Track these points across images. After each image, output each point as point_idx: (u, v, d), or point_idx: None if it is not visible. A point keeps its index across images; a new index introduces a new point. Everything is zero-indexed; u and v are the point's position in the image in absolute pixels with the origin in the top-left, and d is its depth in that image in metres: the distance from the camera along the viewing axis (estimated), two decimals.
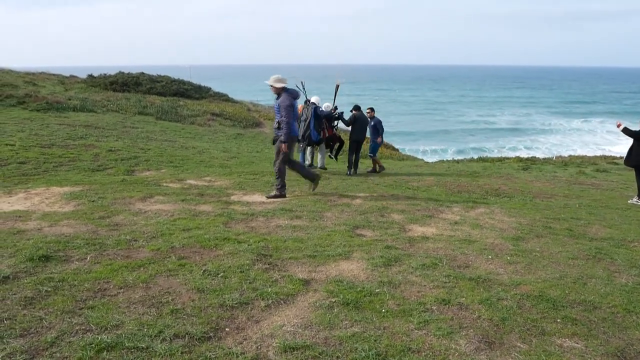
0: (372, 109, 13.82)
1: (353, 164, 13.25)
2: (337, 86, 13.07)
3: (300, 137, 12.05)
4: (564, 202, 10.00)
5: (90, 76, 31.56)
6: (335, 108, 12.69)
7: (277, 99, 8.72)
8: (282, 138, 8.62)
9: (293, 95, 8.78)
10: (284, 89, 8.68)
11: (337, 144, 13.38)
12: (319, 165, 13.20)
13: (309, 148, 12.83)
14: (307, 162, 13.00)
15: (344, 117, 13.02)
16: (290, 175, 9.91)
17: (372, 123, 13.76)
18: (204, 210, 7.34)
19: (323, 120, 12.26)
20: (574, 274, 5.11)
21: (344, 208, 7.85)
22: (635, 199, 10.57)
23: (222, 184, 9.82)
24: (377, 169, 14.17)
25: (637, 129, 10.55)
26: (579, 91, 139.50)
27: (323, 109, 12.50)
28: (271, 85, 8.76)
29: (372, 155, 14.28)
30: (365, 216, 7.36)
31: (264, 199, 8.49)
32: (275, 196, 8.63)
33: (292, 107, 8.65)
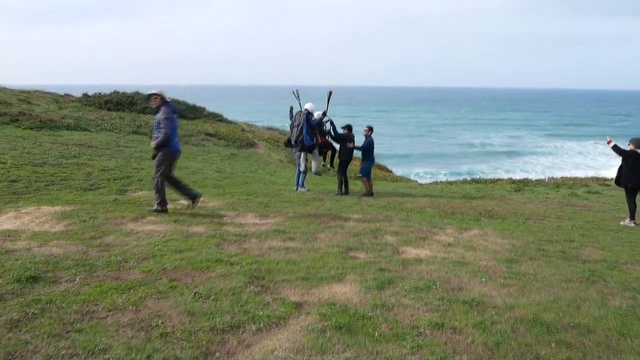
0: (369, 128, 13.43)
1: (343, 184, 13.20)
2: (330, 93, 13.20)
3: (293, 143, 12.40)
4: (556, 223, 10.00)
5: (85, 95, 31.59)
6: (324, 113, 12.78)
7: (157, 112, 8.58)
8: (154, 143, 8.44)
9: (173, 108, 8.63)
10: (165, 103, 8.54)
11: (330, 151, 13.48)
12: (312, 171, 13.25)
13: (302, 154, 12.82)
14: (301, 169, 13.05)
15: (335, 127, 13.05)
16: (293, 197, 9.87)
17: (365, 143, 13.34)
18: (197, 231, 7.29)
19: (316, 127, 12.44)
20: (568, 297, 5.08)
21: (337, 229, 7.82)
22: (627, 221, 10.57)
23: (215, 205, 9.77)
24: (367, 192, 13.39)
25: (627, 149, 10.60)
26: (571, 113, 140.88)
27: (315, 117, 12.58)
28: (152, 98, 8.63)
29: (361, 175, 13.58)
30: (358, 238, 7.33)
31: (257, 219, 8.44)
32: (157, 211, 8.44)
33: (172, 120, 8.46)
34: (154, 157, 8.73)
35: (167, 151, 8.59)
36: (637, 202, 10.76)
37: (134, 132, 22.33)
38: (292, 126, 12.40)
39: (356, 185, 15.32)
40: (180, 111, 8.91)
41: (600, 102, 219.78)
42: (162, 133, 8.37)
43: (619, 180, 10.91)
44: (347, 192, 13.13)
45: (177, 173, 14.72)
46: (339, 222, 8.45)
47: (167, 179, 8.82)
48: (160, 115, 8.48)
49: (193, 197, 9.14)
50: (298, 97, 12.68)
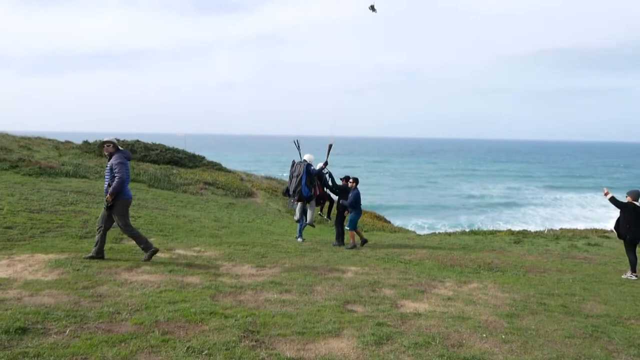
0: (354, 180, 12.86)
1: (340, 235, 13.04)
2: (330, 145, 13.27)
3: (291, 192, 12.37)
4: (557, 276, 9.88)
5: (86, 142, 31.80)
6: (326, 164, 12.84)
7: (109, 159, 8.58)
8: (110, 190, 8.33)
9: (126, 155, 8.69)
10: (118, 149, 8.60)
11: (327, 203, 13.38)
12: (307, 221, 13.10)
13: (299, 204, 12.79)
14: (296, 218, 13.03)
15: (334, 178, 13.05)
16: (290, 247, 9.76)
17: (352, 197, 12.67)
18: (192, 282, 7.17)
19: (315, 178, 12.44)
20: (572, 354, 4.95)
21: (334, 282, 7.70)
22: (628, 274, 10.44)
23: (211, 255, 9.66)
24: (353, 244, 12.63)
25: (625, 201, 10.57)
26: (568, 165, 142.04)
27: (315, 168, 12.65)
28: (105, 146, 8.68)
29: (348, 229, 12.80)
30: (356, 290, 7.20)
31: (253, 270, 8.32)
32: (150, 256, 8.40)
33: (125, 165, 8.47)
34: (108, 207, 8.51)
35: (122, 199, 8.54)
36: (637, 254, 10.69)
37: (133, 180, 22.32)
38: (291, 176, 12.43)
39: (374, 236, 15.20)
40: (131, 158, 8.92)
41: (596, 153, 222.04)
42: (116, 178, 8.33)
43: (617, 231, 10.84)
44: (342, 243, 12.98)
45: (174, 221, 14.70)
46: (336, 274, 8.33)
47: (103, 228, 8.57)
48: (113, 161, 8.47)
49: (149, 250, 8.71)
50: (298, 147, 12.80)
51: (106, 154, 8.73)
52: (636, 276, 10.32)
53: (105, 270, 7.54)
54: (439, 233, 21.81)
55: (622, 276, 10.44)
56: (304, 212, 12.95)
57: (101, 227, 8.54)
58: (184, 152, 32.51)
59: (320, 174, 12.64)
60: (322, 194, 12.92)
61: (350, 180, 12.87)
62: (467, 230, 21.59)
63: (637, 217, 10.43)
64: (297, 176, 12.16)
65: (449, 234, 19.91)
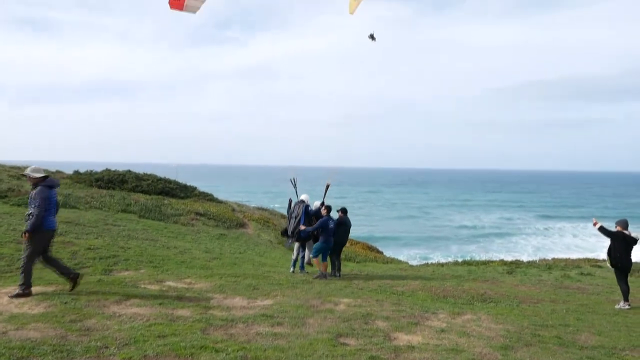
0: (326, 207, 12.46)
1: (336, 267, 12.95)
2: (328, 186, 13.45)
3: (289, 233, 12.47)
4: (551, 307, 9.82)
5: (76, 172, 31.63)
6: (322, 204, 12.79)
7: (33, 189, 8.23)
8: (26, 227, 7.92)
9: (50, 184, 8.30)
10: (42, 179, 8.26)
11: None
12: (305, 261, 13.04)
13: (297, 243, 12.86)
14: (293, 257, 13.13)
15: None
16: (282, 279, 9.65)
17: (318, 223, 12.22)
18: (182, 314, 7.06)
19: (312, 217, 12.46)
20: None
21: (327, 314, 7.60)
22: (621, 304, 10.40)
23: (202, 287, 9.54)
24: (320, 274, 12.16)
25: (614, 230, 10.60)
26: (559, 194, 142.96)
27: (312, 208, 12.72)
28: (28, 176, 8.35)
29: (312, 255, 12.33)
30: (349, 323, 7.11)
31: (245, 303, 8.21)
32: (18, 295, 7.64)
33: (48, 199, 8.07)
34: (24, 234, 8.05)
35: (41, 231, 8.04)
36: (629, 283, 10.70)
37: (123, 211, 22.19)
38: (290, 217, 12.53)
39: (366, 267, 15.12)
40: (57, 185, 8.54)
41: (584, 183, 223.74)
42: (34, 214, 7.90)
43: (610, 255, 10.74)
44: (339, 275, 12.89)
45: (164, 252, 14.55)
46: (328, 306, 8.24)
47: (44, 259, 8.26)
48: (34, 193, 8.08)
49: (73, 277, 8.37)
50: (295, 185, 13.06)
51: (30, 184, 8.39)
52: (629, 305, 10.28)
53: (93, 302, 7.41)
54: (432, 264, 21.73)
55: (616, 306, 10.40)
56: (302, 248, 12.95)
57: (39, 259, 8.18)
58: (175, 182, 32.38)
59: (317, 213, 12.60)
60: (316, 239, 12.67)
61: (323, 207, 12.56)
62: (460, 260, 21.54)
63: (627, 246, 10.47)
64: (296, 217, 12.28)
65: (442, 265, 19.84)
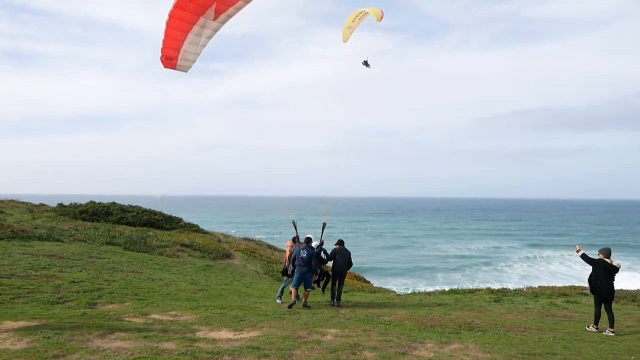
0: (292, 240, 13.66)
1: (336, 296, 13.33)
2: (324, 224, 14.11)
3: (290, 273, 12.91)
4: (538, 335, 9.83)
5: (60, 205, 31.34)
6: (322, 243, 13.44)
7: None
8: None
9: None
10: None
11: (325, 279, 14.13)
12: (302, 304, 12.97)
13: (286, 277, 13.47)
14: (281, 286, 13.69)
15: (327, 251, 13.40)
16: (269, 310, 9.58)
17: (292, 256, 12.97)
18: (167, 348, 6.96)
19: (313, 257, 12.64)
20: None
21: (314, 345, 7.54)
22: (591, 327, 10.75)
23: (187, 319, 9.43)
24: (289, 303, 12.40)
25: (596, 258, 10.82)
26: (545, 222, 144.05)
27: (312, 245, 12.93)
28: None
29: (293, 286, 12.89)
30: (336, 354, 7.06)
31: (231, 335, 8.13)
32: None
33: None
34: None
35: None
36: (613, 310, 10.86)
37: (108, 243, 21.96)
38: (300, 261, 12.50)
39: (353, 297, 15.06)
40: None
41: (568, 211, 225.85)
42: None
43: (590, 283, 10.97)
44: (339, 304, 13.16)
45: (150, 285, 14.37)
46: (315, 337, 8.17)
47: None
48: None
49: None
50: (295, 227, 13.76)
51: None
52: (597, 329, 10.62)
53: (77, 337, 7.29)
54: (419, 292, 21.66)
55: (587, 328, 10.72)
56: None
57: None
58: (161, 214, 32.18)
59: (318, 253, 12.98)
60: (321, 272, 13.72)
61: (297, 239, 13.64)
62: (447, 289, 21.48)
63: (608, 274, 10.65)
64: (307, 263, 12.49)
65: (429, 294, 19.79)
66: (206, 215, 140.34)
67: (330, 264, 13.90)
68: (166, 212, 33.78)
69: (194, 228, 31.85)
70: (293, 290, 12.51)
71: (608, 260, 10.70)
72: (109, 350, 6.66)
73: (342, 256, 13.28)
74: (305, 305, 12.55)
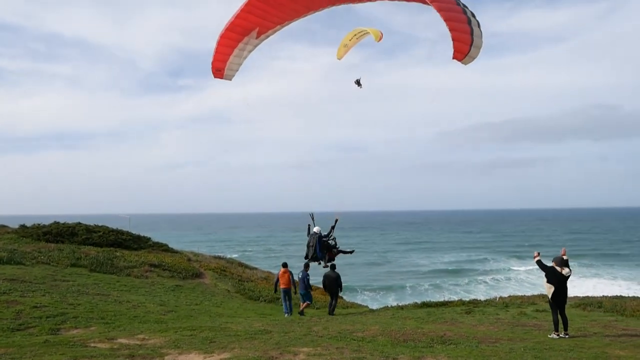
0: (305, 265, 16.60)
1: (331, 307, 16.62)
2: (337, 220, 15.94)
3: (309, 258, 15.55)
4: (509, 346, 9.90)
5: (23, 226, 30.40)
6: (328, 233, 15.92)
7: None
8: None
9: None
10: None
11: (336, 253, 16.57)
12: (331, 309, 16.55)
13: (286, 299, 16.54)
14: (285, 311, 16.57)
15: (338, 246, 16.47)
16: (240, 330, 9.39)
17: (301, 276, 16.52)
18: None
19: (324, 242, 15.61)
20: None
21: None
22: (553, 334, 11.15)
23: (156, 342, 9.18)
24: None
25: (549, 265, 11.38)
26: (512, 233, 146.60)
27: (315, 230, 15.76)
28: None
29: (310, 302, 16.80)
30: None
31: (200, 358, 7.94)
32: None
33: None
34: None
35: None
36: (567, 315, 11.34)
37: (73, 265, 21.36)
38: (308, 245, 15.57)
39: (359, 309, 14.95)
40: None
41: (533, 221, 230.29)
42: None
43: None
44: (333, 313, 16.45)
45: (117, 307, 13.99)
46: (288, 357, 8.05)
47: None
48: None
49: None
50: (313, 219, 15.87)
51: None
52: (557, 335, 11.13)
53: None
54: (392, 307, 21.70)
55: (549, 335, 11.19)
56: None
57: None
58: (128, 233, 31.51)
59: (327, 243, 15.77)
60: (331, 257, 16.29)
61: (304, 265, 16.56)
62: (419, 302, 21.56)
63: (558, 282, 11.24)
64: (312, 246, 15.28)
65: (401, 307, 19.83)
66: (176, 233, 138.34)
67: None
68: (134, 231, 33.11)
69: (162, 247, 31.25)
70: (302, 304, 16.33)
71: (558, 269, 11.29)
72: None
73: (327, 278, 16.38)
74: (300, 313, 16.15)
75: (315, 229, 15.95)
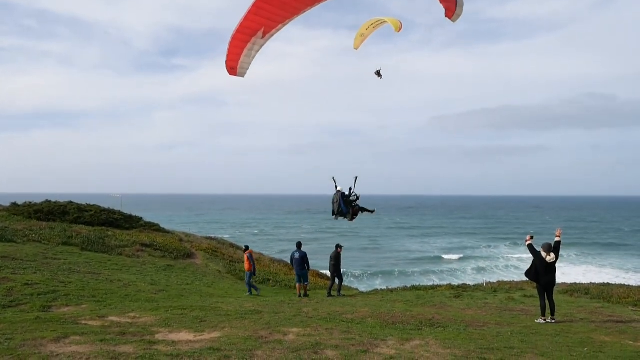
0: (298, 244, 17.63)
1: (337, 288, 17.37)
2: (356, 177, 16.20)
3: (336, 213, 15.91)
4: (496, 330, 10.03)
5: (14, 204, 30.24)
6: (350, 189, 15.92)
7: None
8: None
9: None
10: None
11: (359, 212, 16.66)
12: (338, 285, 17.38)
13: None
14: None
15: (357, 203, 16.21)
16: (231, 310, 9.44)
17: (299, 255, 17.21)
18: (124, 351, 6.80)
19: (347, 198, 15.80)
20: None
21: (275, 345, 7.50)
22: (540, 319, 11.38)
23: (147, 321, 9.23)
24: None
25: (537, 250, 11.71)
26: (505, 219, 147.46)
27: (339, 189, 15.99)
28: None
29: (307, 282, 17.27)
30: (297, 354, 7.03)
31: (191, 336, 8.00)
32: None
33: None
34: None
35: None
36: (555, 300, 11.51)
37: (65, 243, 21.35)
38: (332, 202, 16.15)
39: (317, 294, 15.05)
40: None
41: (525, 208, 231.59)
42: None
43: (529, 273, 11.93)
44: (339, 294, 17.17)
45: (108, 286, 14.03)
46: (277, 337, 8.13)
47: None
48: None
49: None
50: (335, 182, 16.27)
51: None
52: (544, 320, 11.35)
53: (29, 342, 7.04)
54: (381, 290, 21.87)
55: (535, 320, 11.42)
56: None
57: None
58: (120, 213, 31.44)
59: (349, 199, 15.92)
60: (354, 211, 16.38)
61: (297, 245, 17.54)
62: (409, 286, 21.74)
63: (545, 266, 11.52)
64: (336, 202, 15.87)
65: (391, 291, 19.99)
66: (168, 214, 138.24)
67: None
68: (126, 211, 33.04)
69: (154, 227, 31.24)
70: (298, 285, 16.86)
71: (543, 254, 11.57)
72: (63, 356, 6.46)
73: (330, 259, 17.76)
74: (305, 295, 16.95)
75: (339, 188, 16.58)
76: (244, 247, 18.69)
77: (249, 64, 12.89)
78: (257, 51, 12.72)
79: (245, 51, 12.46)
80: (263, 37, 12.29)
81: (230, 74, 12.91)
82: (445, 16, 11.48)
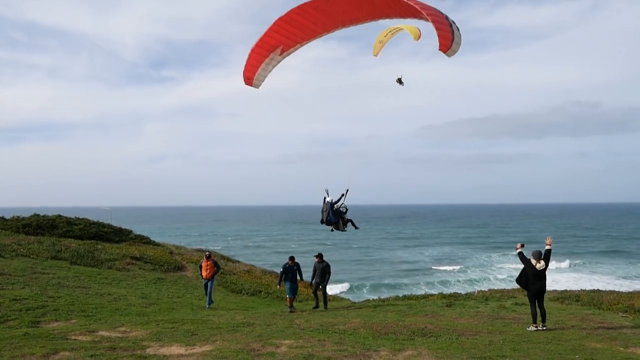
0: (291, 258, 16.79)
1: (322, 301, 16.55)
2: (347, 190, 16.16)
3: (325, 221, 15.76)
4: (488, 338, 10.04)
5: (2, 218, 29.98)
6: (339, 200, 15.87)
7: None
8: None
9: None
10: None
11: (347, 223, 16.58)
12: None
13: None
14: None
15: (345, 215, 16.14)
16: (222, 323, 9.38)
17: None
18: None
19: (335, 210, 15.77)
20: None
21: (268, 358, 7.46)
22: (532, 327, 11.37)
23: (137, 335, 9.15)
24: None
25: (527, 258, 11.77)
26: (496, 227, 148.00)
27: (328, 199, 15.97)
28: None
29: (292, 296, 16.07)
30: None
31: (182, 350, 7.94)
32: None
33: None
34: None
35: None
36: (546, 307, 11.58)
37: (53, 257, 21.15)
38: (322, 211, 15.94)
39: (308, 305, 15.00)
40: None
41: (516, 216, 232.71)
42: None
43: (519, 280, 11.98)
44: (324, 307, 16.31)
45: (98, 300, 13.90)
46: (269, 349, 8.08)
47: None
48: None
49: None
50: (327, 192, 16.18)
51: None
52: (535, 327, 11.33)
53: (18, 359, 6.95)
54: (373, 300, 21.84)
55: (527, 328, 11.39)
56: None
57: None
58: (109, 226, 31.24)
59: (338, 210, 15.88)
60: (344, 222, 16.34)
61: (289, 258, 16.81)
62: (400, 295, 21.75)
63: (533, 274, 11.56)
64: (325, 211, 15.73)
65: (383, 300, 19.97)
66: (158, 226, 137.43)
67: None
68: (115, 224, 32.85)
69: (144, 240, 31.05)
70: (289, 298, 15.91)
71: (533, 261, 11.62)
72: None
73: (317, 269, 16.98)
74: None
75: (328, 199, 16.61)
76: (206, 254, 17.99)
77: (265, 77, 13.44)
78: (275, 66, 13.29)
79: (263, 65, 13.03)
80: (281, 54, 12.91)
81: (246, 84, 13.40)
82: (440, 49, 11.27)
